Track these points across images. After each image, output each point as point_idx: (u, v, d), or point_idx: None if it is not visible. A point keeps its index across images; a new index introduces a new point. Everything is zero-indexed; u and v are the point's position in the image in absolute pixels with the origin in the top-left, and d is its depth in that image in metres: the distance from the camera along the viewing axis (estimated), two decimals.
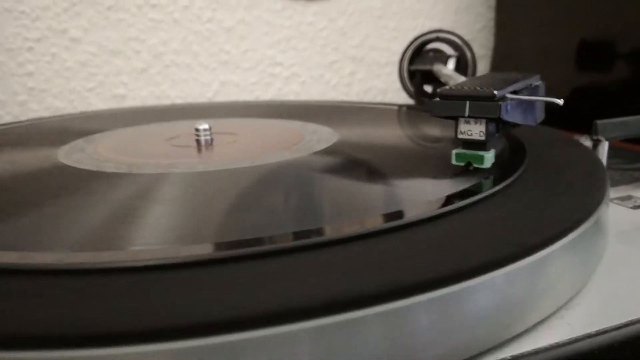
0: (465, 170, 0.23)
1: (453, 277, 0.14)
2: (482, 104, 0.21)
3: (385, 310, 0.13)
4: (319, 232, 0.17)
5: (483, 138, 0.22)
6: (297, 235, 0.17)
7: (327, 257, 0.15)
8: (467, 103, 0.22)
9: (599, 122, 0.28)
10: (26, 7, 0.54)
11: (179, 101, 0.61)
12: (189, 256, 0.15)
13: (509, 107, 0.22)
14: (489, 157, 0.22)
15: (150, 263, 0.15)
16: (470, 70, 0.47)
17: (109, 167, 0.26)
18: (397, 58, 0.68)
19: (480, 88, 0.22)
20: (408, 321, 0.13)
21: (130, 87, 0.59)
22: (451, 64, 0.47)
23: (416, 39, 0.49)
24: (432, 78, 0.49)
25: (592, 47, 0.55)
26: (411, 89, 0.50)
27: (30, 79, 0.55)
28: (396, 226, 0.17)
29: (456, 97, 0.22)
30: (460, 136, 0.23)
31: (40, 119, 0.46)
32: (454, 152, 0.23)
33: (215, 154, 0.29)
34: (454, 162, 0.23)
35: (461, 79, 0.40)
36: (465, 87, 0.22)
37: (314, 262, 0.15)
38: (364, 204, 0.20)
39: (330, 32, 0.65)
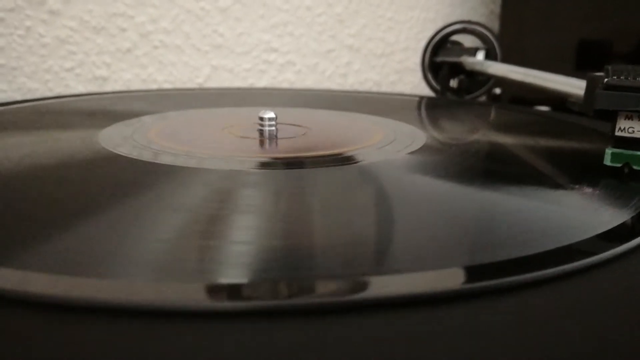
0: (621, 172, 0.20)
1: None
2: None
3: None
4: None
5: None
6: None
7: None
8: None
9: None
10: None
11: (166, 86, 0.55)
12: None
13: None
14: None
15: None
16: None
17: (169, 159, 0.21)
18: (391, 50, 0.66)
19: None
20: None
21: (113, 69, 0.53)
22: (480, 56, 0.45)
23: (441, 29, 0.47)
24: (456, 72, 0.46)
25: (597, 45, 0.54)
26: (433, 81, 0.47)
27: (0, 54, 0.48)
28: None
29: (629, 89, 0.19)
30: (618, 133, 0.20)
31: (49, 98, 0.39)
32: (609, 151, 0.20)
33: (287, 148, 0.24)
34: (608, 162, 0.20)
35: (503, 67, 0.38)
36: (637, 79, 0.19)
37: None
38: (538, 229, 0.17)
39: (327, 18, 0.61)
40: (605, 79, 0.19)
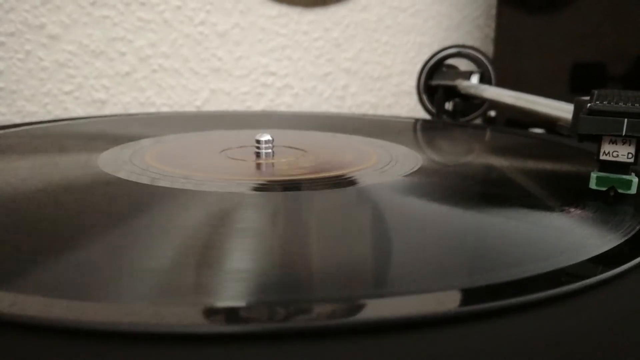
0: (606, 196, 0.21)
1: None
2: None
3: None
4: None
5: (631, 160, 0.20)
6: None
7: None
8: (626, 121, 0.19)
9: None
10: None
11: (165, 109, 0.56)
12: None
13: None
14: (636, 182, 0.20)
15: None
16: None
17: (167, 183, 0.22)
18: (387, 73, 0.67)
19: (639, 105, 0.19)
20: None
21: (111, 92, 0.53)
22: (475, 80, 0.45)
23: (436, 53, 0.47)
24: (451, 95, 0.47)
25: (592, 67, 0.55)
26: (429, 104, 0.48)
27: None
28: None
29: (612, 114, 0.19)
30: (603, 157, 0.20)
31: (48, 121, 0.40)
32: (594, 175, 0.21)
33: (283, 171, 0.25)
34: (593, 186, 0.21)
35: (496, 90, 0.38)
36: (619, 104, 0.20)
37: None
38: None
39: (325, 42, 0.62)
40: (589, 104, 0.20)
